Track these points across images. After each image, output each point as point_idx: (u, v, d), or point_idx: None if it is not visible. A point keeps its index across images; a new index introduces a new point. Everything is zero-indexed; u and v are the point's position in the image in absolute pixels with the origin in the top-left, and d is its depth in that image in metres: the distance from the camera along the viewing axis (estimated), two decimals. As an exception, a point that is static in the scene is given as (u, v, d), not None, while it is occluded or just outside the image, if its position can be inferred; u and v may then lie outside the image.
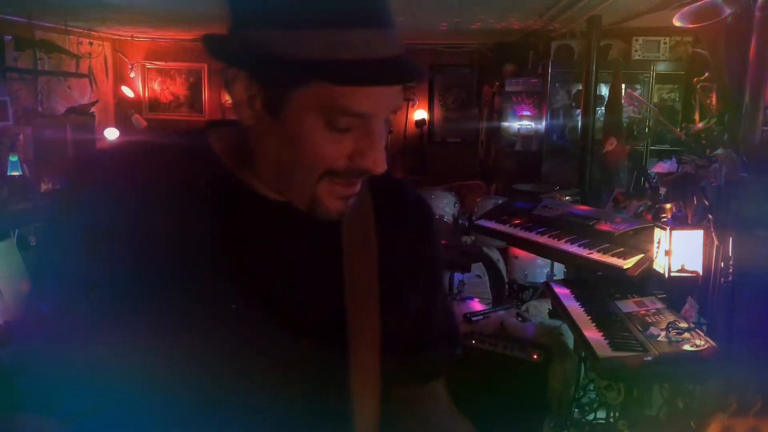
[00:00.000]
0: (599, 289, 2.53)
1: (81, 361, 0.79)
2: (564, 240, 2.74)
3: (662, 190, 2.84)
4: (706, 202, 2.18)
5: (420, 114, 7.12)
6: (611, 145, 4.15)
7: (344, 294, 0.83)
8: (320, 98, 0.71)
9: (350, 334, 0.83)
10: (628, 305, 2.34)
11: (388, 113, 0.76)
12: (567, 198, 3.67)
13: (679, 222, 2.42)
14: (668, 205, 2.60)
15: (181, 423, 0.82)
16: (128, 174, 0.81)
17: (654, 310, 2.25)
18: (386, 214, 0.89)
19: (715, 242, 2.05)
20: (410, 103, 7.02)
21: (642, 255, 2.37)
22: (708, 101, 2.49)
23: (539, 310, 3.13)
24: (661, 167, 2.75)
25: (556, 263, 3.49)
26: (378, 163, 0.76)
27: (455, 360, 0.99)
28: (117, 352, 0.78)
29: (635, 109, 4.83)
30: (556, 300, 2.57)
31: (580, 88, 4.86)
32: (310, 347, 0.84)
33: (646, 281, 2.41)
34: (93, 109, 6.26)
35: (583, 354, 2.55)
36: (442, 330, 0.99)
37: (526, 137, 5.77)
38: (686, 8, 2.37)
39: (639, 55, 5.12)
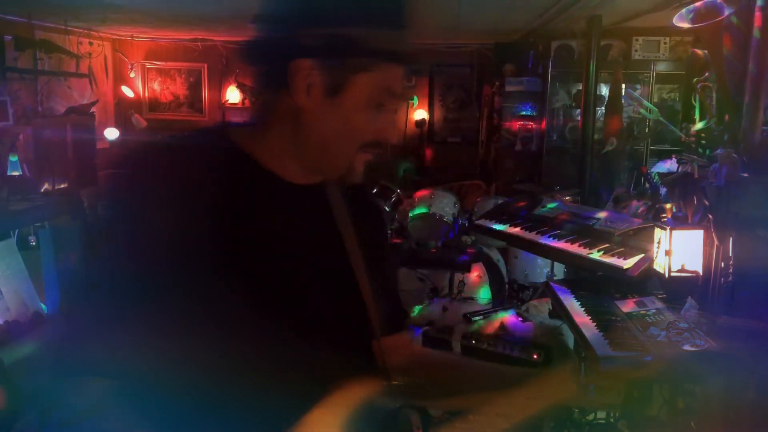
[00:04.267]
0: (599, 289, 2.53)
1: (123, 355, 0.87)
2: (564, 240, 2.74)
3: (662, 190, 2.84)
4: (706, 202, 2.17)
5: (420, 114, 7.11)
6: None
7: (353, 270, 1.04)
8: (378, 80, 0.95)
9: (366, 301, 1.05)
10: (628, 305, 2.34)
11: (407, 99, 0.92)
12: (567, 198, 3.66)
13: (679, 222, 2.42)
14: (668, 205, 2.60)
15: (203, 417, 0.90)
16: (174, 173, 0.92)
17: (654, 310, 2.25)
18: (354, 200, 1.10)
19: (715, 242, 2.05)
20: (410, 103, 7.02)
21: (642, 255, 2.37)
22: (708, 101, 2.49)
23: (539, 310, 3.13)
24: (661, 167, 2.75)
25: (556, 263, 3.49)
26: (396, 136, 1.01)
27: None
28: (165, 349, 0.87)
29: (635, 109, 4.83)
30: (556, 300, 2.57)
31: (580, 88, 4.85)
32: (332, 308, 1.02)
33: (646, 281, 2.41)
34: (93, 109, 6.25)
35: (583, 354, 2.55)
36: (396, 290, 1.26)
37: (526, 137, 5.77)
38: (686, 8, 2.36)
39: (639, 55, 5.12)
